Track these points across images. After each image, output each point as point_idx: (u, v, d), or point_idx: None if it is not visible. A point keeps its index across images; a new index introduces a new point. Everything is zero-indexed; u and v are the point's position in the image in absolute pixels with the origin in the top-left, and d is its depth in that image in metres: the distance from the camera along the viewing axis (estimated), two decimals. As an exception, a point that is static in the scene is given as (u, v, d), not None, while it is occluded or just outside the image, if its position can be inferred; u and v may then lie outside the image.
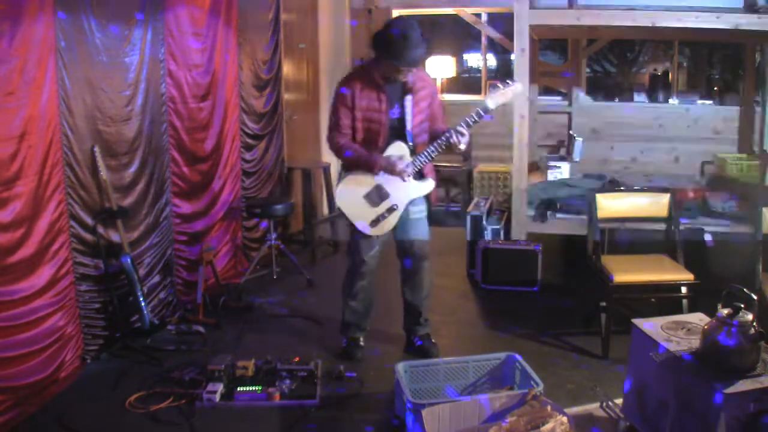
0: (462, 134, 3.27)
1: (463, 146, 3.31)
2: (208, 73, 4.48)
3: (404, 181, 3.36)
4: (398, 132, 3.37)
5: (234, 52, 4.82)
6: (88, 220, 3.46)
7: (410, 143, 3.38)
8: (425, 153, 3.35)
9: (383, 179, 3.38)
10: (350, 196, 3.43)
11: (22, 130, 2.95)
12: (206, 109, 4.48)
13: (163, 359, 3.51)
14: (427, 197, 3.53)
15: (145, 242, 3.91)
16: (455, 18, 7.37)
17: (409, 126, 3.36)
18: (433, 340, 3.67)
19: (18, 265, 2.96)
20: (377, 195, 3.40)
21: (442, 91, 7.45)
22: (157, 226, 4.04)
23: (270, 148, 5.44)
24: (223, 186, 4.73)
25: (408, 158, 3.36)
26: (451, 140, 3.28)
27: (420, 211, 3.51)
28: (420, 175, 3.46)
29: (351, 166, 3.42)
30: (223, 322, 4.04)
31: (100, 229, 3.53)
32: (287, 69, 5.76)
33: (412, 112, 3.36)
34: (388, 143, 3.36)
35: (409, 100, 3.35)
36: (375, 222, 3.42)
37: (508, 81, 3.35)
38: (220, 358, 3.27)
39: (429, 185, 3.47)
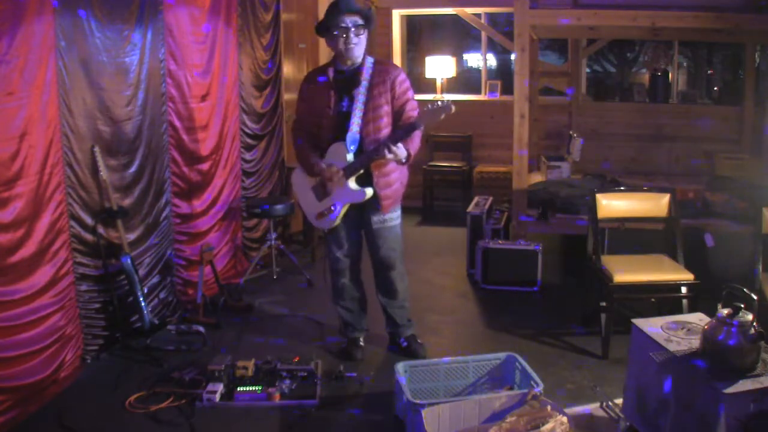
0: (390, 150, 3.11)
1: (401, 160, 3.18)
2: (208, 73, 4.48)
3: (335, 187, 3.28)
4: (344, 129, 3.23)
5: (234, 52, 4.83)
6: (88, 220, 3.46)
7: (353, 146, 3.22)
8: (357, 162, 3.22)
9: None
10: (302, 183, 3.45)
11: (22, 130, 2.95)
12: (206, 109, 4.48)
13: (163, 359, 3.51)
14: (379, 205, 3.33)
15: (145, 242, 3.91)
16: (455, 18, 7.37)
17: (355, 124, 3.21)
18: (419, 340, 3.64)
19: (18, 265, 2.96)
20: (321, 191, 3.36)
21: (442, 91, 7.45)
22: (157, 226, 4.04)
23: (270, 148, 5.45)
24: (223, 186, 4.74)
25: (344, 161, 3.23)
26: (378, 154, 3.15)
27: (382, 221, 3.39)
28: (363, 181, 3.29)
29: (300, 164, 3.44)
30: (223, 322, 4.04)
31: (100, 229, 3.54)
32: (287, 69, 5.76)
33: (362, 108, 3.21)
34: (334, 138, 3.27)
35: (360, 96, 3.21)
36: (319, 216, 3.39)
37: (441, 102, 3.06)
38: (220, 358, 3.27)
39: (362, 196, 3.27)
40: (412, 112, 3.29)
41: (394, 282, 3.53)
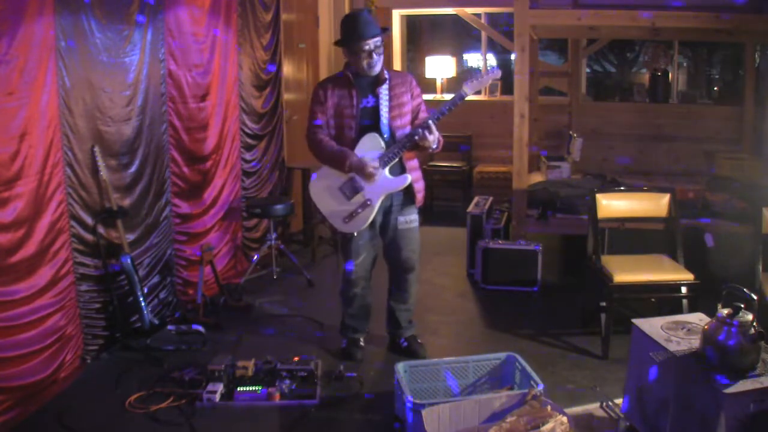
0: (430, 131, 3.19)
1: (433, 144, 3.23)
2: (208, 73, 4.48)
3: (370, 181, 3.28)
4: (373, 123, 3.30)
5: (234, 52, 4.83)
6: (89, 220, 3.46)
7: (385, 135, 3.29)
8: (394, 148, 3.26)
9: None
10: (325, 189, 3.39)
11: (22, 130, 2.95)
12: (206, 109, 4.48)
13: (163, 359, 3.51)
14: (412, 198, 3.41)
15: (145, 242, 3.91)
16: (455, 18, 7.37)
17: (384, 117, 3.29)
18: (419, 341, 3.65)
19: (19, 265, 2.96)
20: (351, 188, 3.33)
21: (442, 91, 7.46)
22: (157, 226, 4.04)
23: (270, 148, 5.45)
24: (223, 186, 4.74)
25: (380, 149, 3.27)
26: (416, 137, 3.20)
27: (408, 222, 3.43)
28: (398, 170, 3.36)
29: (325, 162, 3.40)
30: (223, 322, 4.04)
31: (100, 229, 3.54)
32: (287, 69, 5.76)
33: (388, 104, 3.30)
34: (360, 135, 3.30)
35: (384, 91, 3.30)
36: (349, 217, 3.35)
37: (488, 69, 3.27)
38: (220, 358, 3.27)
39: (404, 181, 3.33)
40: (423, 113, 3.44)
41: (410, 284, 3.57)
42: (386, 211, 3.43)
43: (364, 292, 3.59)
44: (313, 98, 3.41)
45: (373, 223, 3.40)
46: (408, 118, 3.38)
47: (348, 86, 3.32)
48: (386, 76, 3.33)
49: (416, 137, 3.22)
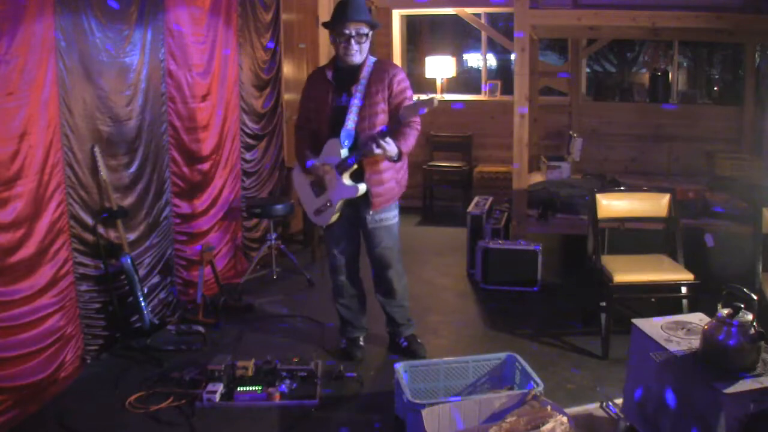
0: (378, 144, 3.08)
1: (392, 155, 3.16)
2: (208, 73, 4.48)
3: (330, 184, 3.31)
4: (339, 126, 3.25)
5: (234, 52, 4.83)
6: (89, 220, 3.46)
7: (345, 140, 3.22)
8: (349, 157, 3.22)
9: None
10: (301, 180, 3.50)
11: (22, 130, 2.95)
12: (206, 109, 4.48)
13: (163, 359, 3.51)
14: (367, 203, 3.32)
15: (145, 242, 3.91)
16: (455, 18, 7.37)
17: (350, 120, 3.22)
18: (419, 340, 3.64)
19: (18, 265, 2.96)
20: (318, 187, 3.39)
21: (442, 91, 7.46)
22: (157, 226, 4.04)
23: (270, 148, 5.45)
24: (223, 186, 4.74)
25: (338, 156, 3.24)
26: (366, 149, 3.13)
27: (377, 220, 3.39)
28: (358, 178, 3.29)
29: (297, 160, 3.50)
30: (223, 322, 4.04)
31: (100, 229, 3.54)
32: (287, 69, 5.76)
33: (358, 104, 3.23)
34: (332, 134, 3.28)
35: (357, 90, 3.24)
36: (317, 212, 3.43)
37: (424, 97, 3.08)
38: (220, 358, 3.27)
39: (354, 191, 3.27)
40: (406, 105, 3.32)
41: (391, 281, 3.53)
42: (358, 208, 3.41)
43: (350, 282, 3.58)
44: (302, 92, 3.50)
45: (349, 215, 3.41)
46: (381, 118, 3.24)
47: (326, 80, 3.31)
48: (365, 73, 3.25)
49: (366, 149, 3.14)
